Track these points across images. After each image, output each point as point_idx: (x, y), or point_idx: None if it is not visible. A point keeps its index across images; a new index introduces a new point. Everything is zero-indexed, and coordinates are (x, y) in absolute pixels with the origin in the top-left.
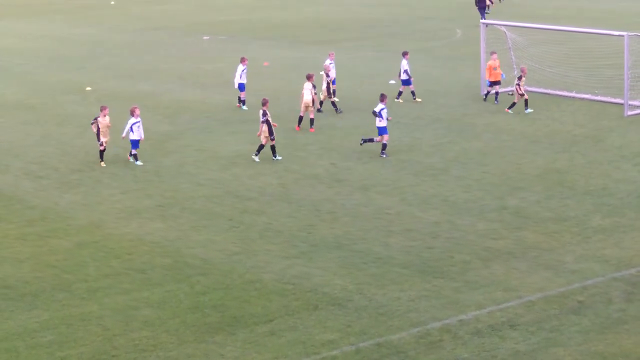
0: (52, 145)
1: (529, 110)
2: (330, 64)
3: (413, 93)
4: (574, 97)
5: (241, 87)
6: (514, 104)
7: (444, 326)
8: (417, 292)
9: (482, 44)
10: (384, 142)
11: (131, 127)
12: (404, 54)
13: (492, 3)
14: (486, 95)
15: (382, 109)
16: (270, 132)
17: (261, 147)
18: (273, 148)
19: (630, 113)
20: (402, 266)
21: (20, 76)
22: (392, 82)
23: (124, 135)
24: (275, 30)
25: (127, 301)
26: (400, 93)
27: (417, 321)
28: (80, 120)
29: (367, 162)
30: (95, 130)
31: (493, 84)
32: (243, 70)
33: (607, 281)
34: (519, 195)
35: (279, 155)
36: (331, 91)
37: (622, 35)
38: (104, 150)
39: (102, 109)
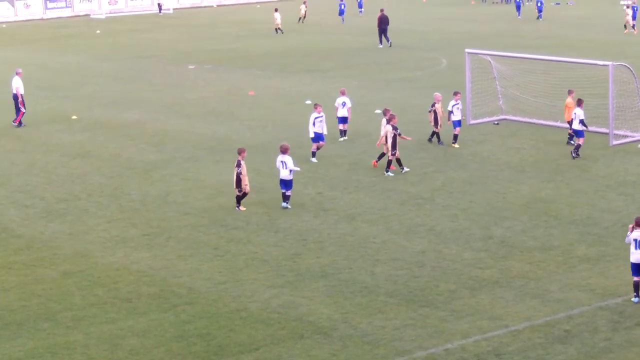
0: (38, 174)
1: None
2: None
3: (455, 137)
4: (559, 127)
5: (315, 137)
6: None
7: (430, 355)
8: (403, 321)
9: (467, 74)
10: (580, 143)
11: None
12: (455, 94)
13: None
14: (570, 137)
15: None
16: (394, 147)
17: (384, 156)
18: (389, 162)
19: (615, 142)
20: (388, 295)
21: (5, 104)
22: (378, 111)
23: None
24: (260, 59)
25: (113, 330)
26: (455, 137)
27: (402, 350)
28: (65, 149)
29: (353, 191)
30: (237, 176)
31: (570, 124)
32: (316, 118)
33: (592, 310)
34: (505, 224)
35: (391, 173)
36: (439, 123)
37: (607, 65)
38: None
39: (241, 151)
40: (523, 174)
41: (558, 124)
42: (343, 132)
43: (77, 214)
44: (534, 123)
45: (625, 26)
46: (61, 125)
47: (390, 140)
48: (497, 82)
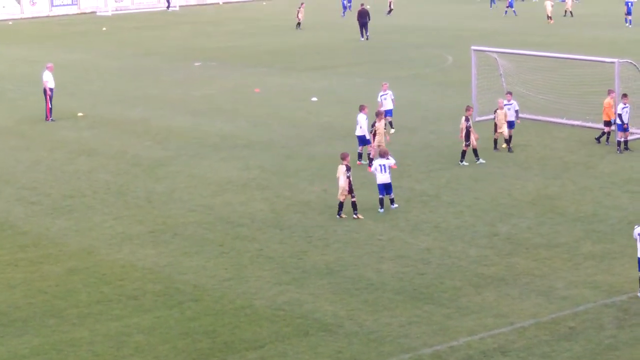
0: (43, 171)
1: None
2: (383, 95)
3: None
4: (565, 124)
5: (361, 139)
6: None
7: (435, 352)
8: (408, 318)
9: (474, 71)
10: (619, 139)
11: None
12: (508, 93)
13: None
14: (601, 136)
15: (623, 108)
16: (467, 138)
17: (464, 152)
18: (464, 152)
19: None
20: (394, 292)
21: (10, 102)
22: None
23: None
24: (266, 57)
25: (118, 327)
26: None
27: (408, 347)
28: (71, 146)
29: (358, 188)
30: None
31: (607, 124)
32: (366, 120)
33: (598, 307)
34: (510, 221)
35: (466, 162)
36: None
37: (613, 62)
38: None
39: (344, 156)
40: (529, 171)
41: (564, 121)
42: (389, 124)
43: (82, 211)
44: (539, 120)
45: (548, 17)
46: (67, 122)
47: (464, 132)
48: (503, 79)
